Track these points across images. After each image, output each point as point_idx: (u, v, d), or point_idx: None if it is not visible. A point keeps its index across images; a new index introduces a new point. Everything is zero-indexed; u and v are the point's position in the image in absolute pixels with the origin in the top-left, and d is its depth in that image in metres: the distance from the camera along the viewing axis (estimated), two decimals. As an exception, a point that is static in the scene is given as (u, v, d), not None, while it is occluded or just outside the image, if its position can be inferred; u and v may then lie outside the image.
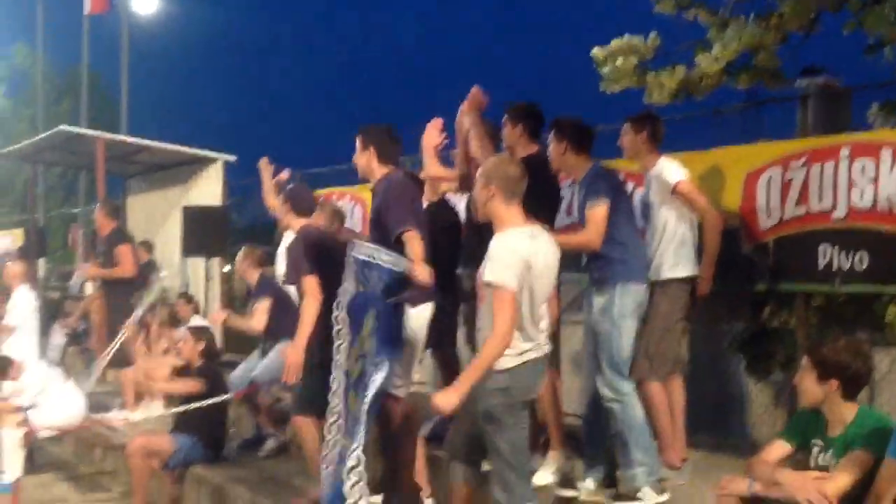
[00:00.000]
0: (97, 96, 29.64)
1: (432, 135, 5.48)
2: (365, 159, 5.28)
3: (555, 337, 6.67)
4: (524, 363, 4.18)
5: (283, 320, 7.02)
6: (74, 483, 7.94)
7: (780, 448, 3.87)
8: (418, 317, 5.09)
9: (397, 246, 4.83)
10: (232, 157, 12.58)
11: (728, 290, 5.91)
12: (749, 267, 5.85)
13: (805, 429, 3.87)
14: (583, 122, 5.35)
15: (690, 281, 5.30)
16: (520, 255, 4.10)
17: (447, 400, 4.06)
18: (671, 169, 5.34)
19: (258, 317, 7.35)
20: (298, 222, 5.82)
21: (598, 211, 4.96)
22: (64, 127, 12.56)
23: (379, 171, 5.26)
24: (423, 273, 4.69)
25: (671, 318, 5.27)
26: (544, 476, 5.26)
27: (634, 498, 4.72)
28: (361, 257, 4.81)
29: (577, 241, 5.15)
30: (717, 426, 5.89)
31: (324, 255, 5.49)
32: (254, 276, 7.74)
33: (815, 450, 3.79)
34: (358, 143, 5.33)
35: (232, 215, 11.88)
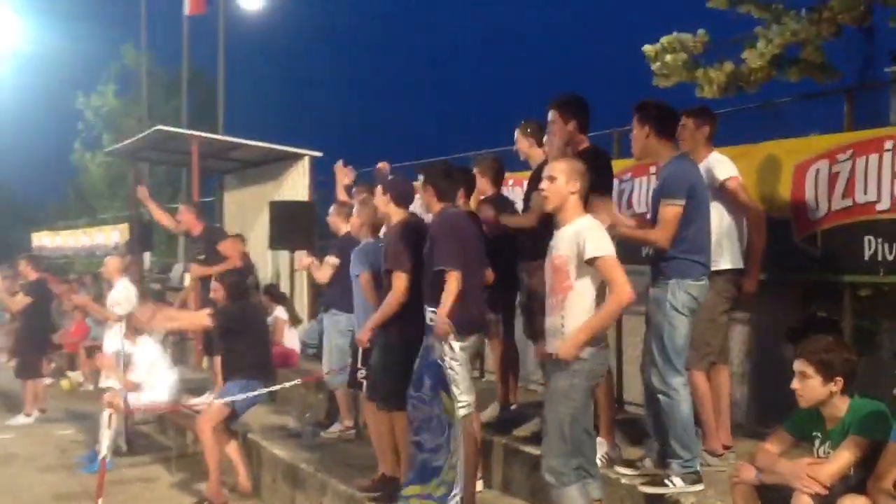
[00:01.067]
0: (202, 93, 30.70)
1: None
2: (426, 196, 5.59)
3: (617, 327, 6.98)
4: (602, 347, 4.54)
5: (337, 288, 7.38)
6: (166, 464, 8.48)
7: (781, 439, 4.05)
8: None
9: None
10: (318, 153, 13.02)
11: (779, 280, 6.00)
12: (799, 257, 5.92)
13: (805, 423, 4.04)
14: (667, 106, 5.27)
15: (736, 274, 5.42)
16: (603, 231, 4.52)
17: (566, 349, 4.38)
18: (721, 165, 5.45)
19: (325, 270, 7.60)
20: (398, 213, 5.86)
21: (672, 211, 4.91)
22: (161, 127, 13.24)
23: (435, 206, 5.56)
24: (441, 324, 5.15)
25: (716, 310, 5.39)
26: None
27: (662, 484, 4.87)
28: None
29: (646, 238, 5.18)
30: (768, 415, 5.96)
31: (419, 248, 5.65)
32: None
33: (817, 442, 3.97)
34: (420, 182, 5.65)
35: (318, 209, 12.25)
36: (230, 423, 7.34)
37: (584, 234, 4.44)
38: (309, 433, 7.69)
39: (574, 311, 4.47)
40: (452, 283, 5.21)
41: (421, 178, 5.64)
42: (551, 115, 5.70)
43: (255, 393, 7.16)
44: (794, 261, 5.91)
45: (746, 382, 6.51)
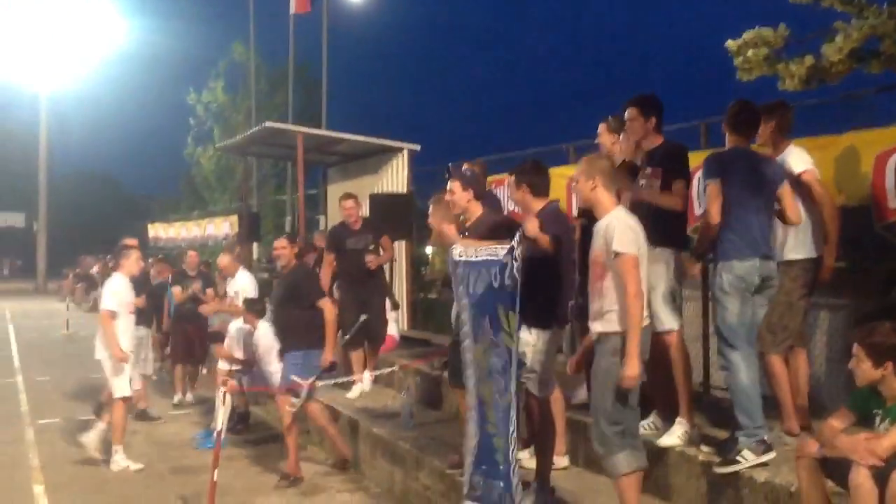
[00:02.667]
0: (307, 88, 31.54)
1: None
2: (520, 196, 5.81)
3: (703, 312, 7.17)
4: (643, 327, 4.81)
5: None
6: (276, 442, 9.02)
7: (844, 416, 4.29)
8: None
9: None
10: (417, 147, 13.41)
11: (861, 267, 6.12)
12: (880, 245, 6.03)
13: (865, 401, 4.28)
14: (745, 104, 5.55)
15: (811, 262, 5.59)
16: (634, 229, 4.86)
17: (631, 371, 4.69)
18: (797, 158, 5.63)
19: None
20: (539, 203, 5.83)
21: (708, 189, 5.33)
22: (269, 123, 13.84)
23: (536, 204, 5.75)
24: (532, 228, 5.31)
25: (792, 296, 5.59)
26: (670, 439, 5.73)
27: (734, 461, 5.10)
28: (484, 257, 5.32)
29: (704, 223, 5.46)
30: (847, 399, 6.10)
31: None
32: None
33: (877, 419, 4.21)
34: (512, 182, 5.86)
35: (416, 201, 12.64)
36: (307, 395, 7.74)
37: (611, 230, 4.82)
38: (407, 414, 8.10)
39: (609, 298, 4.85)
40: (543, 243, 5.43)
41: (512, 178, 5.86)
42: (631, 112, 5.99)
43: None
44: (875, 248, 6.02)
45: (829, 365, 6.65)
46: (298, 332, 7.69)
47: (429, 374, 9.07)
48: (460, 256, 5.45)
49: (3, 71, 40.90)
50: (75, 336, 19.62)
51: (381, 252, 9.84)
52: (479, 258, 5.33)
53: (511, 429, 5.20)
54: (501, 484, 5.27)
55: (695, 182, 6.44)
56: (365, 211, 11.94)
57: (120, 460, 8.27)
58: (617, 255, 4.75)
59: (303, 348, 7.70)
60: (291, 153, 14.19)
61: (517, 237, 5.16)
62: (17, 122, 53.25)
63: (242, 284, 10.16)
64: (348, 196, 10.15)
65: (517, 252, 5.09)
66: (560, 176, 8.25)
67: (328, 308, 7.72)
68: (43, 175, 41.20)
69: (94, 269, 30.87)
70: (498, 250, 5.21)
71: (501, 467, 5.27)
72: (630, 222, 4.91)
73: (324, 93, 21.60)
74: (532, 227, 5.34)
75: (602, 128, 6.64)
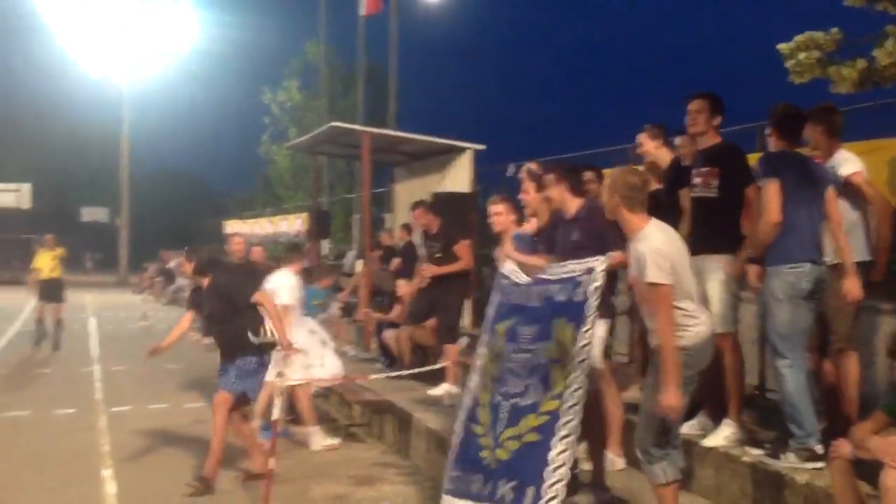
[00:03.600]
0: (378, 87, 31.93)
1: None
2: (558, 192, 5.91)
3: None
4: (702, 338, 4.78)
5: None
6: (333, 432, 9.26)
7: (878, 419, 4.30)
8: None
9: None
10: (481, 146, 13.59)
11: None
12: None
13: None
14: (791, 109, 5.58)
15: (862, 265, 5.57)
16: (664, 254, 4.68)
17: (668, 401, 4.60)
18: (846, 162, 5.63)
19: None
20: (574, 202, 5.87)
21: (767, 189, 5.32)
22: (336, 123, 14.17)
23: (573, 203, 5.86)
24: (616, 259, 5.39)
25: (843, 299, 5.58)
26: (716, 440, 5.78)
27: (776, 458, 5.15)
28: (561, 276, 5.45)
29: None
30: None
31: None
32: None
33: None
34: (553, 179, 5.96)
35: (479, 200, 12.80)
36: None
37: (642, 259, 4.66)
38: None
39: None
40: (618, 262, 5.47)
41: (551, 176, 5.97)
42: (698, 104, 5.98)
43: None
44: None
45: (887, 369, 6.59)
46: (244, 338, 7.39)
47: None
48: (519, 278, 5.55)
49: (87, 67, 42.25)
50: (152, 328, 20.22)
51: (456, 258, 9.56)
52: (556, 276, 5.43)
53: (563, 433, 5.13)
54: (481, 476, 5.38)
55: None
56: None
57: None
58: (651, 285, 4.63)
59: (256, 353, 7.47)
60: (360, 152, 14.49)
61: (604, 262, 5.22)
62: (100, 118, 54.85)
63: (275, 284, 10.39)
64: (415, 205, 10.30)
65: (598, 272, 5.17)
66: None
67: (264, 299, 7.43)
68: (125, 171, 42.41)
69: (173, 264, 31.73)
70: (576, 268, 5.33)
71: (485, 463, 5.37)
72: (660, 246, 4.69)
73: (391, 93, 21.87)
74: (616, 259, 5.35)
75: (643, 137, 6.66)
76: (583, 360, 5.16)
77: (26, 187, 41.67)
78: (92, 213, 49.83)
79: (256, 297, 7.38)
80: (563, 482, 5.03)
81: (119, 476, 7.66)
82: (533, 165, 7.05)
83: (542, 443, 5.14)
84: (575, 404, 5.11)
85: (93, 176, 55.99)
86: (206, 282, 7.47)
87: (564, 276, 5.40)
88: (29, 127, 58.58)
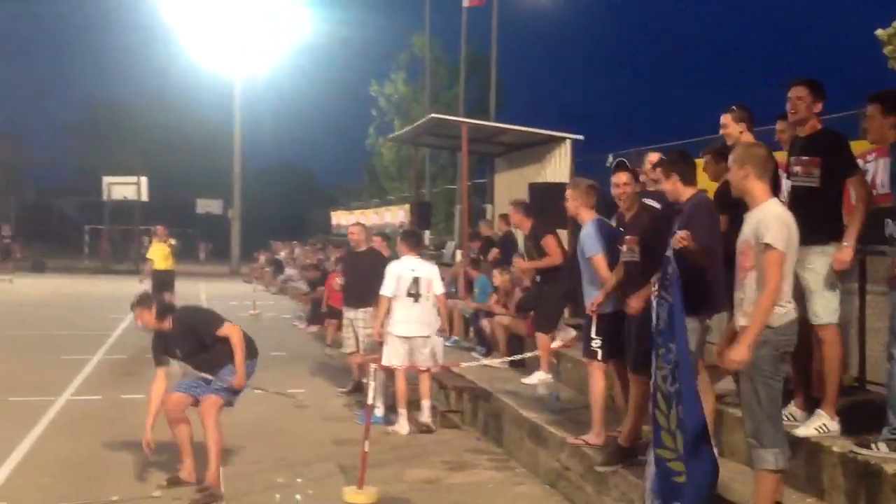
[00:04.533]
0: (483, 79, 32.04)
1: None
2: (671, 185, 5.87)
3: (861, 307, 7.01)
4: (790, 321, 4.81)
5: None
6: (431, 419, 9.43)
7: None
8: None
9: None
10: (579, 137, 13.56)
11: None
12: None
13: None
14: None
15: None
16: (787, 224, 4.79)
17: (739, 354, 4.69)
18: None
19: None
20: (688, 192, 5.82)
21: None
22: (434, 114, 14.35)
23: (686, 192, 5.83)
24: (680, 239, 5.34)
25: None
26: (807, 430, 5.70)
27: (867, 448, 5.05)
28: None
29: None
30: None
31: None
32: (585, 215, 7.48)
33: None
34: (661, 172, 5.95)
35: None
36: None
37: (764, 222, 4.75)
38: (553, 397, 8.33)
39: (753, 290, 4.81)
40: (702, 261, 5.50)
41: (659, 169, 5.95)
42: (800, 91, 5.86)
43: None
44: None
45: None
46: (223, 356, 7.09)
47: (578, 359, 9.23)
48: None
49: (202, 62, 43.69)
50: (261, 316, 20.86)
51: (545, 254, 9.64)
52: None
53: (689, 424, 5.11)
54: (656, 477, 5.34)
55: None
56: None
57: (404, 424, 9.04)
58: (767, 247, 4.70)
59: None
60: (459, 143, 14.65)
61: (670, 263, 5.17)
62: (214, 113, 56.53)
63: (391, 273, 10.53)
64: (512, 204, 10.48)
65: (671, 270, 5.13)
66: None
67: (232, 331, 7.09)
68: (237, 164, 43.62)
69: (283, 254, 32.57)
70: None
71: (668, 462, 5.27)
72: (783, 216, 4.83)
73: (492, 83, 21.99)
74: (680, 239, 5.33)
75: (727, 118, 6.55)
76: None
77: (144, 180, 43.33)
78: (206, 205, 51.38)
79: (223, 331, 7.06)
80: None
81: (226, 455, 7.95)
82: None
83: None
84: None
85: (207, 168, 57.74)
86: (167, 325, 7.07)
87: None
88: (147, 121, 60.90)
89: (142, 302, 7.12)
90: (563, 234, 13.05)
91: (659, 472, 5.35)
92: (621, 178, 6.67)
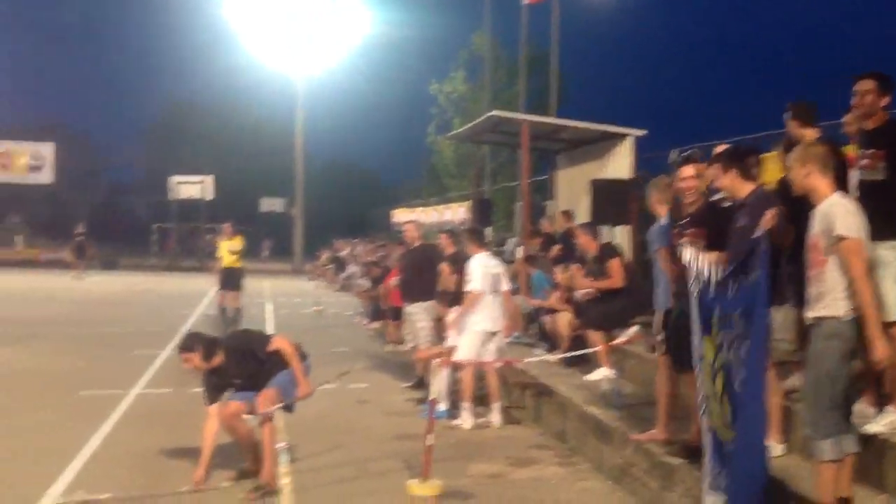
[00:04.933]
0: (545, 76, 31.93)
1: None
2: (728, 181, 5.82)
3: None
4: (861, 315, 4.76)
5: None
6: (492, 413, 9.47)
7: None
8: None
9: None
10: (641, 133, 13.46)
11: None
12: None
13: None
14: None
15: None
16: (856, 214, 4.83)
17: (880, 354, 4.68)
18: None
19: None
20: (747, 187, 5.76)
21: None
22: (493, 112, 14.36)
23: (744, 188, 5.76)
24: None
25: None
26: (877, 426, 5.61)
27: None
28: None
29: None
30: None
31: None
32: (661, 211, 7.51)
33: None
34: (720, 167, 5.89)
35: (641, 187, 12.69)
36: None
37: (833, 214, 4.77)
38: (616, 393, 8.31)
39: (828, 283, 4.81)
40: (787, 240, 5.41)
41: (718, 164, 5.90)
42: (867, 84, 5.79)
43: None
44: None
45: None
46: (276, 367, 7.12)
47: (642, 356, 9.21)
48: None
49: (265, 62, 44.28)
50: (324, 313, 21.11)
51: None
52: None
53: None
54: (725, 471, 5.29)
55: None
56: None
57: (468, 418, 9.10)
58: (841, 238, 4.71)
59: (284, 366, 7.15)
60: (520, 140, 14.64)
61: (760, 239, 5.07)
62: (276, 112, 57.14)
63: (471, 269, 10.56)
64: (580, 227, 10.71)
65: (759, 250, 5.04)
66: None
67: (282, 343, 7.13)
68: (299, 163, 44.12)
69: (344, 252, 32.86)
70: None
71: (732, 458, 5.22)
72: (850, 206, 4.86)
73: (552, 80, 21.91)
74: (772, 217, 5.17)
75: (785, 117, 6.49)
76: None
77: (210, 179, 44.08)
78: (269, 204, 52.10)
79: (274, 345, 7.10)
80: None
81: (292, 451, 8.08)
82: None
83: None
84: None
85: (270, 167, 58.48)
86: (218, 360, 7.05)
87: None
88: (213, 121, 61.90)
89: (187, 347, 7.05)
90: (626, 231, 13.04)
91: (712, 444, 5.40)
92: (688, 171, 6.60)
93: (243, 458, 7.26)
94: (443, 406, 9.31)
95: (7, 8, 73.97)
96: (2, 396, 10.40)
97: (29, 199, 53.83)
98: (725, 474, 5.28)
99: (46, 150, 50.76)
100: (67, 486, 6.88)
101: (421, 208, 34.49)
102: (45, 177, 50.99)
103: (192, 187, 44.64)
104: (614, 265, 9.84)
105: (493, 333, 9.43)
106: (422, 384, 10.58)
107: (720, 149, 7.20)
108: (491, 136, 17.02)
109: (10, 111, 59.55)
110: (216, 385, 7.14)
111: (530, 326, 12.53)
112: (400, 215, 36.67)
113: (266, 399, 6.97)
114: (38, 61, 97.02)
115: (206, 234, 42.01)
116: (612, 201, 11.60)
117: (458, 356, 9.12)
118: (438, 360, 7.47)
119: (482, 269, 9.35)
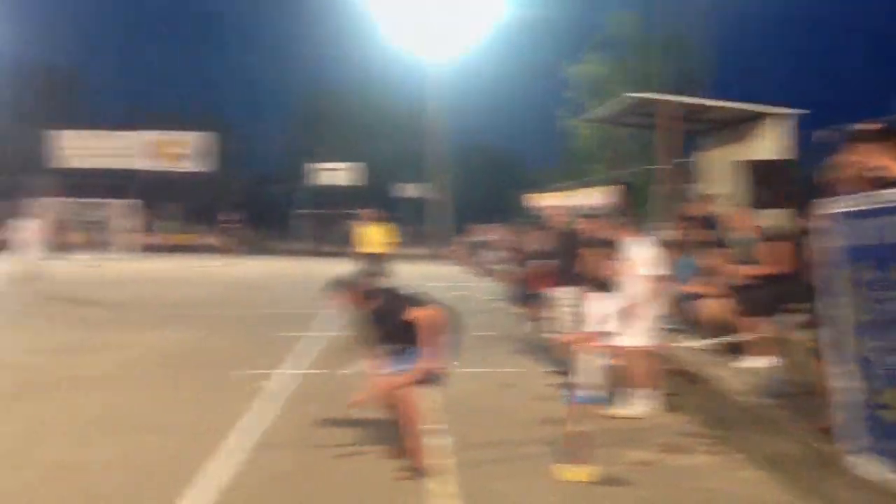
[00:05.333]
0: (684, 56, 31.20)
1: None
2: (883, 160, 5.56)
3: None
4: None
5: None
6: (644, 400, 9.36)
7: None
8: None
9: None
10: (797, 111, 12.96)
11: None
12: None
13: None
14: None
15: None
16: None
17: None
18: None
19: None
20: None
21: None
22: (628, 94, 14.13)
23: None
24: None
25: None
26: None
27: None
28: None
29: None
30: None
31: None
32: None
33: None
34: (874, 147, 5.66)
35: (798, 168, 12.23)
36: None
37: None
38: (774, 382, 8.09)
39: None
40: None
41: (873, 142, 5.66)
42: None
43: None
44: None
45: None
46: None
47: (800, 345, 8.90)
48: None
49: (399, 47, 44.88)
50: (466, 297, 21.30)
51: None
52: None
53: None
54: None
55: None
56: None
57: (639, 405, 9.03)
58: None
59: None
60: (656, 122, 14.39)
61: None
62: (411, 98, 57.73)
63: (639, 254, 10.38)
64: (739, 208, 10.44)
65: None
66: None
67: (425, 314, 6.96)
68: (435, 147, 44.56)
69: (484, 236, 33.01)
70: None
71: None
72: None
73: (702, 58, 21.36)
74: None
75: None
76: None
77: (349, 166, 45.04)
78: (406, 189, 52.82)
79: (418, 313, 6.94)
80: None
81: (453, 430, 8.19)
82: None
83: None
84: None
85: (407, 152, 59.19)
86: (370, 305, 7.15)
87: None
88: (350, 108, 63.07)
89: (342, 284, 7.22)
90: (782, 214, 12.59)
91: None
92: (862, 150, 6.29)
93: (399, 434, 7.34)
94: (590, 392, 9.23)
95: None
96: (155, 375, 10.97)
97: (183, 187, 56.25)
98: None
99: (205, 140, 53.19)
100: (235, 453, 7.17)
101: (558, 192, 34.22)
102: (204, 165, 53.55)
103: (331, 174, 45.74)
104: (781, 249, 9.39)
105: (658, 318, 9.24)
106: (566, 369, 10.52)
107: (867, 127, 6.90)
108: (631, 117, 16.79)
109: (162, 102, 62.30)
110: (364, 329, 7.20)
111: (679, 312, 12.30)
112: (538, 199, 36.50)
113: (402, 383, 6.97)
114: (186, 55, 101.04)
115: (344, 219, 42.98)
116: (769, 183, 11.18)
117: (632, 342, 8.98)
118: (584, 345, 7.39)
119: (654, 253, 9.15)
